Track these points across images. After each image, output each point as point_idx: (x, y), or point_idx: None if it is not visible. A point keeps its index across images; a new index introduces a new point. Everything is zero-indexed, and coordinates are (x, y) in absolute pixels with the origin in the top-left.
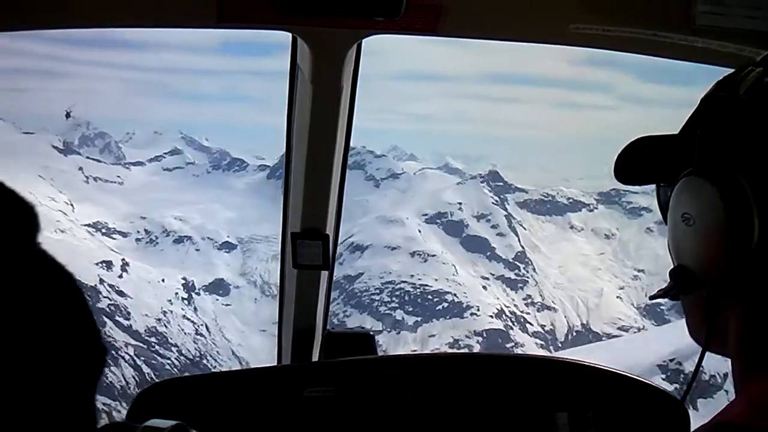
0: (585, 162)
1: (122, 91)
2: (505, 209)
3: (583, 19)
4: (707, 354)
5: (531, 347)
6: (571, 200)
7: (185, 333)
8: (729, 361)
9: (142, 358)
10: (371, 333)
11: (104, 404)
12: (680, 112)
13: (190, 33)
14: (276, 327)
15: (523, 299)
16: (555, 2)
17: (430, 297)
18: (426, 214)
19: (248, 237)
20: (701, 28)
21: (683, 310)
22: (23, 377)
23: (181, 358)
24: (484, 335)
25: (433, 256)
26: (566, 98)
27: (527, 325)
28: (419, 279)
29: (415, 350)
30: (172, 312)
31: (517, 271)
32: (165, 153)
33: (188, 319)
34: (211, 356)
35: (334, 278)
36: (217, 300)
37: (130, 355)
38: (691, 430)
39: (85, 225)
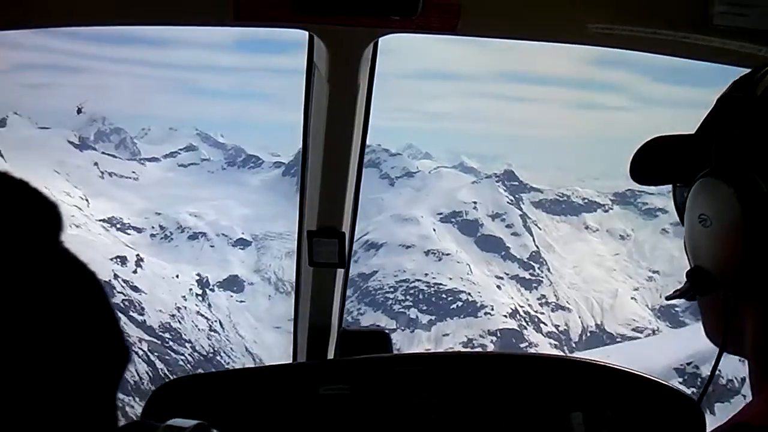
0: (600, 162)
1: (138, 87)
2: (520, 209)
3: (600, 19)
4: (725, 358)
5: (545, 347)
6: (586, 200)
7: (199, 329)
8: (747, 365)
9: (156, 354)
10: (386, 331)
11: (118, 400)
12: (696, 113)
13: (207, 30)
14: (290, 324)
15: (538, 299)
16: (572, 2)
17: (444, 296)
18: (441, 213)
19: (263, 234)
20: (719, 27)
21: (700, 311)
22: (46, 376)
23: (195, 354)
24: (498, 335)
25: (448, 254)
26: (581, 98)
27: (541, 325)
28: (433, 278)
29: (428, 349)
30: (186, 308)
31: (531, 270)
32: (180, 149)
33: (202, 315)
34: (224, 352)
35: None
36: (231, 296)
37: (143, 351)
38: (708, 431)
39: (100, 220)
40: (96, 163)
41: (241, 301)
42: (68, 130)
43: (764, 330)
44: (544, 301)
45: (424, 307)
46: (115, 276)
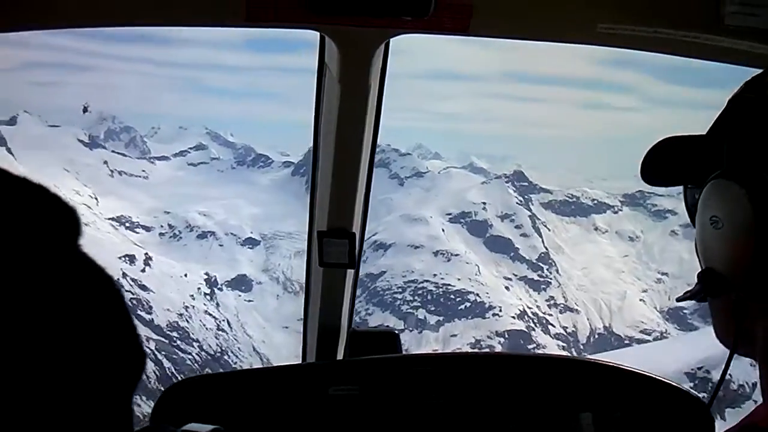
0: (610, 163)
1: (148, 85)
2: (530, 210)
3: (611, 19)
4: (736, 363)
5: (553, 349)
6: (595, 201)
7: (207, 328)
8: (758, 370)
9: (164, 353)
10: (396, 332)
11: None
12: (706, 114)
13: (217, 29)
14: (299, 324)
15: (546, 300)
16: (583, 2)
17: (452, 296)
18: (450, 214)
19: (272, 233)
20: (730, 28)
21: (710, 313)
22: (63, 380)
23: (203, 353)
24: (506, 336)
25: (457, 255)
26: (591, 99)
27: (549, 326)
28: (442, 278)
29: (436, 350)
30: (194, 307)
31: (540, 272)
32: (190, 148)
33: (210, 314)
34: (232, 352)
35: None
36: (240, 296)
37: (151, 350)
38: None
39: (109, 219)
40: (105, 162)
41: (250, 301)
42: (78, 128)
43: None
44: (552, 302)
45: (433, 308)
46: (124, 274)
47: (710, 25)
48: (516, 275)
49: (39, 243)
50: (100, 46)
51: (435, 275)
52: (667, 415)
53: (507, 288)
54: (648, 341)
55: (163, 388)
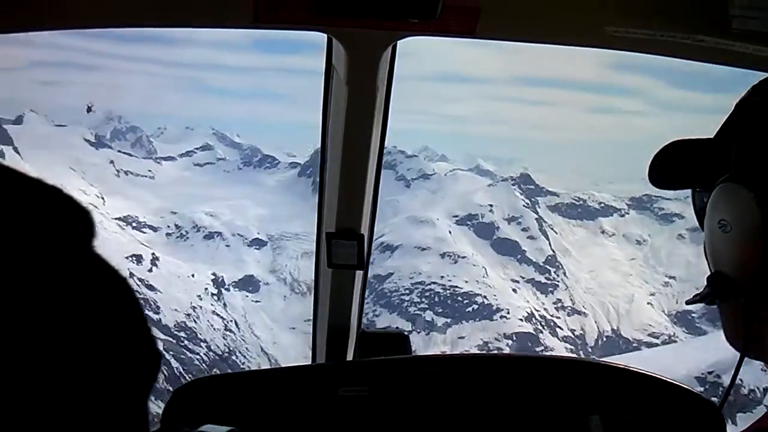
0: (617, 166)
1: (155, 85)
2: (536, 212)
3: (619, 22)
4: (747, 367)
5: (560, 352)
6: (602, 205)
7: (214, 329)
8: None
9: (171, 353)
10: (405, 333)
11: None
12: (713, 118)
13: (223, 30)
14: (306, 325)
15: (554, 303)
16: (591, 5)
17: (459, 299)
18: (457, 216)
19: (278, 234)
20: (737, 31)
21: (720, 316)
22: (78, 381)
23: (210, 353)
24: (514, 338)
25: (464, 257)
26: (598, 102)
27: (557, 329)
28: (449, 280)
29: (444, 351)
30: (201, 307)
31: (547, 274)
32: (196, 148)
33: (218, 314)
34: (239, 352)
35: None
36: (247, 296)
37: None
38: None
39: (116, 218)
40: (112, 161)
41: (257, 301)
42: (84, 127)
43: None
44: (560, 305)
45: (440, 310)
46: (131, 275)
47: (717, 29)
48: (523, 278)
49: (53, 245)
50: (107, 46)
51: (442, 277)
52: (677, 418)
53: (514, 290)
54: (656, 344)
55: (171, 388)
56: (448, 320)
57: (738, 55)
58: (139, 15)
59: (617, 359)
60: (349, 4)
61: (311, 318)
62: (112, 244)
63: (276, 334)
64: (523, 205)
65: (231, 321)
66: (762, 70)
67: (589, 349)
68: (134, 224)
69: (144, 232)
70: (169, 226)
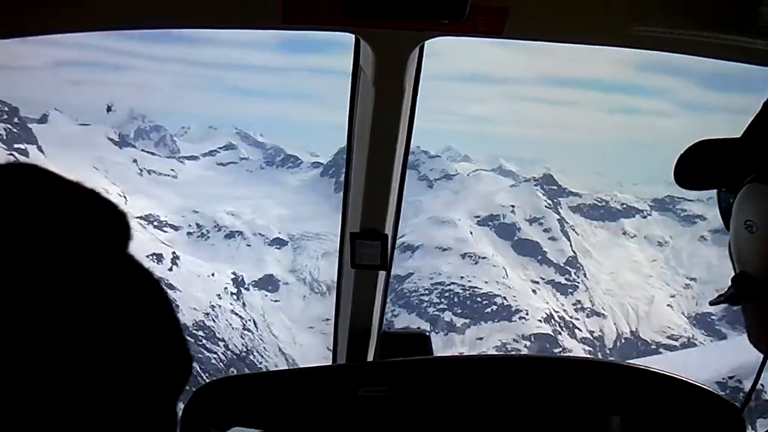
0: (640, 167)
1: (178, 85)
2: (558, 213)
3: (645, 22)
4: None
5: (579, 353)
6: (624, 206)
7: (233, 328)
8: None
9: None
10: (427, 333)
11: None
12: (740, 119)
13: (250, 30)
14: (324, 325)
15: (573, 304)
16: (617, 4)
17: (479, 299)
18: (478, 216)
19: (299, 234)
20: (764, 30)
21: (744, 318)
22: (110, 383)
23: (228, 353)
24: (533, 339)
25: (484, 258)
26: (623, 102)
27: (576, 330)
28: (469, 281)
29: (462, 352)
30: (220, 306)
31: (567, 276)
32: (219, 148)
33: (236, 314)
34: (257, 352)
35: None
36: (266, 296)
37: None
38: None
39: (137, 217)
40: (135, 160)
41: (276, 301)
42: (108, 127)
43: None
44: (579, 306)
45: (459, 311)
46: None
47: (743, 27)
48: (543, 279)
49: (90, 247)
50: (132, 46)
51: (462, 278)
52: (697, 419)
53: (534, 291)
54: (675, 347)
55: (187, 387)
56: (467, 321)
57: (764, 53)
58: (169, 16)
59: (636, 362)
60: (377, 5)
61: (330, 318)
62: (133, 242)
63: (294, 333)
64: (545, 206)
65: (249, 320)
66: None
67: (608, 351)
68: (156, 223)
69: (165, 231)
70: (190, 225)
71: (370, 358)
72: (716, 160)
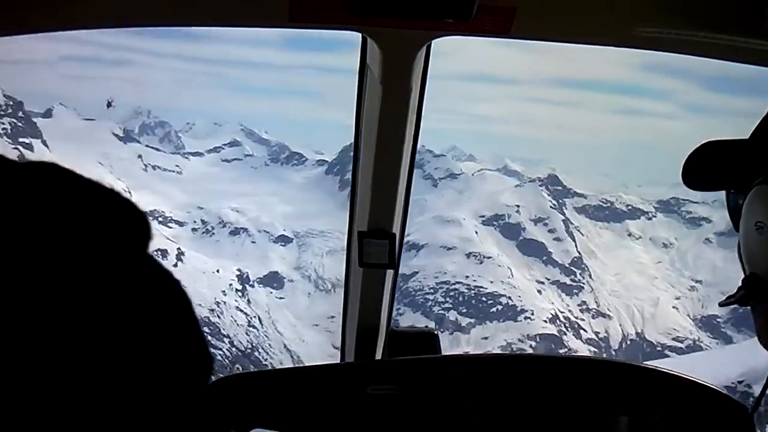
0: (645, 169)
1: (184, 81)
2: (563, 214)
3: (652, 22)
4: None
5: (584, 354)
6: (629, 207)
7: (238, 324)
8: None
9: None
10: (435, 332)
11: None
12: (743, 122)
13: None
14: (329, 322)
15: (578, 305)
16: (625, 5)
17: (484, 299)
18: (483, 216)
19: (304, 231)
20: None
21: (754, 319)
22: (131, 383)
23: (233, 349)
24: (537, 340)
25: (489, 258)
26: (629, 104)
27: (581, 331)
28: (474, 280)
29: (467, 352)
30: (225, 303)
31: (572, 276)
32: (224, 144)
33: (241, 310)
34: (262, 348)
35: None
36: (271, 293)
37: None
38: None
39: None
40: (140, 156)
41: (281, 298)
42: (113, 122)
43: None
44: (584, 307)
45: (464, 310)
46: None
47: (750, 28)
48: (548, 279)
49: (112, 248)
50: (137, 41)
51: (467, 277)
52: (706, 420)
53: (539, 292)
54: (680, 348)
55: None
56: (472, 320)
57: None
58: (176, 14)
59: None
60: (385, 4)
61: (334, 316)
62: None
63: (299, 331)
64: (550, 207)
65: (254, 317)
66: None
67: (613, 352)
68: (160, 219)
69: (170, 227)
70: (195, 222)
71: (378, 356)
72: (724, 161)
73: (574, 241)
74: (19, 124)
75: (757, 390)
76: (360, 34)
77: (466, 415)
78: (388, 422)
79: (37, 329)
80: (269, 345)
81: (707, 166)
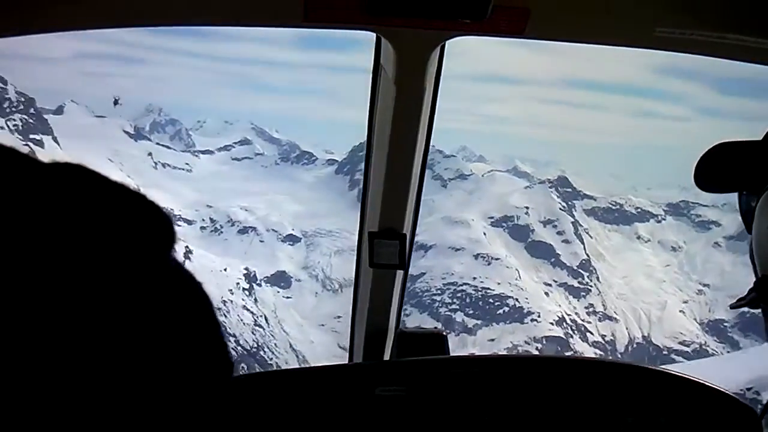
0: (656, 172)
1: (195, 79)
2: (572, 216)
3: (669, 23)
4: None
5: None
6: (639, 210)
7: (244, 323)
8: None
9: None
10: (444, 333)
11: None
12: (755, 125)
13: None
14: (335, 322)
15: (585, 308)
16: (640, 5)
17: (491, 300)
18: (492, 217)
19: (313, 231)
20: None
21: (765, 321)
22: (151, 389)
23: (239, 348)
24: (544, 342)
25: (497, 259)
26: (641, 106)
27: (588, 334)
28: (481, 282)
29: (473, 353)
30: (232, 302)
31: (580, 279)
32: (234, 143)
33: (248, 309)
34: (268, 348)
35: None
36: (278, 292)
37: None
38: None
39: None
40: (150, 154)
41: (288, 298)
42: (124, 119)
43: None
44: (591, 310)
45: (471, 311)
46: None
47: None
48: (556, 281)
49: (136, 251)
50: (150, 39)
51: (475, 278)
52: (713, 422)
53: (546, 294)
54: (687, 353)
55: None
56: (479, 322)
57: None
58: (191, 13)
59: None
60: (399, 4)
61: (341, 316)
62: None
63: (305, 330)
64: (560, 208)
65: (261, 316)
66: None
67: (619, 355)
68: None
69: (179, 225)
70: (204, 220)
71: (386, 356)
72: (737, 162)
73: (583, 243)
74: (31, 120)
75: (765, 397)
76: (374, 34)
77: (474, 416)
78: (396, 424)
79: (59, 329)
80: (275, 344)
81: (720, 168)
